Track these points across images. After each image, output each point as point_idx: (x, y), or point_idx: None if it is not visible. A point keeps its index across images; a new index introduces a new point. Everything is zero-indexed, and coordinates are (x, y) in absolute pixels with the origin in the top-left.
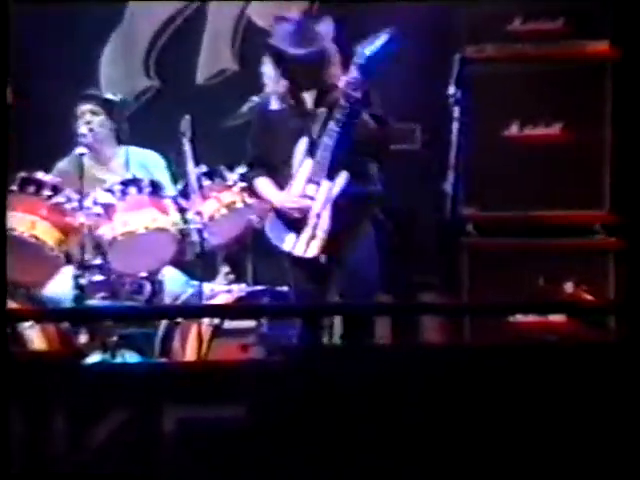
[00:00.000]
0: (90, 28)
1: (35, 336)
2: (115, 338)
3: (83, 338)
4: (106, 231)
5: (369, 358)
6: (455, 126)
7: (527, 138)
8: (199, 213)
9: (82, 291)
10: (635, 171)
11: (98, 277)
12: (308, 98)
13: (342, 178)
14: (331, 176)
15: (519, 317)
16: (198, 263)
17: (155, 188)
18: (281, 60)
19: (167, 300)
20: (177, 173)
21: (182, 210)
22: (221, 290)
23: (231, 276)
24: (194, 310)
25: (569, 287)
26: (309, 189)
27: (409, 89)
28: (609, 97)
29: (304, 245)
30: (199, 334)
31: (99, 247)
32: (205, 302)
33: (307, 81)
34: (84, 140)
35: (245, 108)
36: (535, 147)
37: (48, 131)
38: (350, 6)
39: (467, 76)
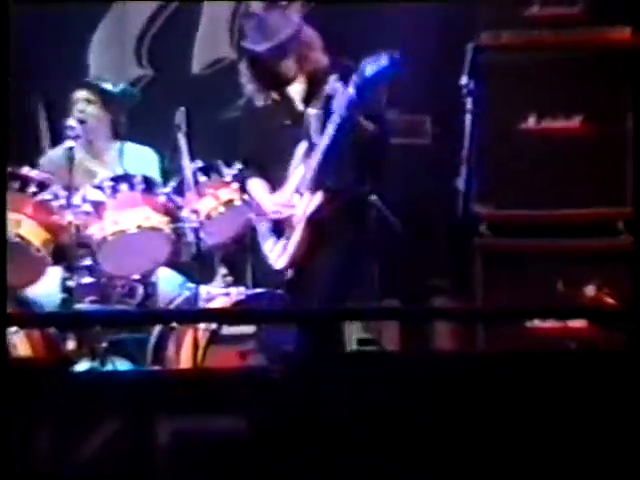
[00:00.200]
0: (78, 15)
1: (19, 342)
2: (105, 344)
3: (71, 344)
4: (96, 230)
5: (376, 366)
6: (468, 118)
7: (545, 131)
8: (195, 211)
9: (70, 294)
10: None
11: (87, 279)
12: (296, 94)
13: (318, 197)
14: (313, 191)
15: (537, 323)
16: (194, 264)
17: (148, 185)
18: (250, 59)
19: (161, 304)
20: (171, 169)
21: (177, 208)
22: (218, 293)
23: (229, 278)
24: (190, 315)
25: (590, 291)
26: (295, 198)
27: (419, 79)
28: (632, 87)
29: (276, 254)
30: (195, 340)
31: (88, 247)
32: (201, 306)
33: (275, 77)
34: (73, 133)
35: (241, 101)
36: (553, 141)
37: (35, 123)
38: None
39: (481, 65)
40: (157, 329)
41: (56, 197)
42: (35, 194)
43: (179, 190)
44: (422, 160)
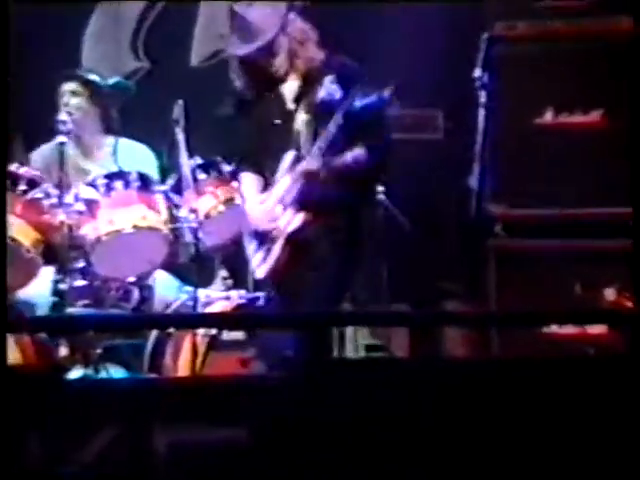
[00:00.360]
0: (72, 4)
1: (10, 349)
2: (99, 351)
3: (63, 350)
4: (89, 230)
5: (383, 372)
6: (481, 113)
7: (562, 126)
8: (193, 210)
9: (62, 298)
10: None
11: (80, 282)
12: (288, 93)
13: (300, 217)
14: (297, 207)
15: (554, 328)
16: (192, 266)
17: (144, 182)
18: (239, 58)
19: (157, 308)
20: (169, 165)
21: (174, 207)
22: (218, 297)
23: (229, 281)
24: (188, 319)
25: (610, 294)
26: (278, 209)
27: (430, 71)
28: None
29: (257, 262)
30: (193, 346)
31: (81, 248)
32: (200, 310)
33: (265, 75)
34: (64, 127)
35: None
36: (571, 136)
37: (25, 118)
38: None
39: (495, 57)
40: (154, 335)
41: (47, 195)
42: (25, 192)
43: (177, 188)
44: (433, 156)
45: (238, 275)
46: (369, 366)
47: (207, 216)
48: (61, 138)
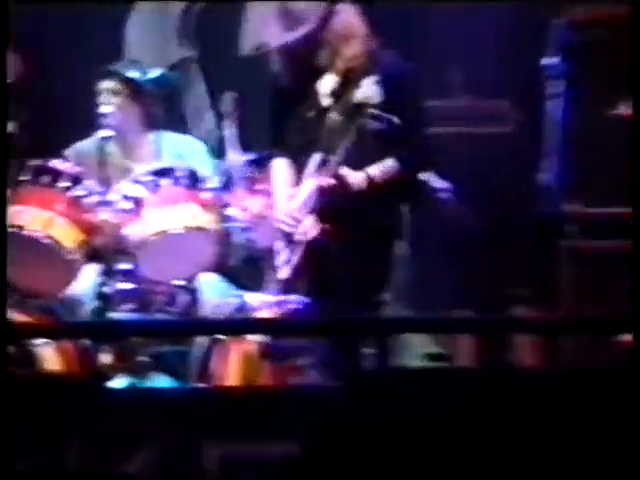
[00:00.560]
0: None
1: (50, 355)
2: (144, 358)
3: (106, 358)
4: (134, 230)
5: (446, 383)
6: (553, 103)
7: None
8: (244, 209)
9: (106, 302)
10: None
11: (125, 285)
12: (323, 89)
13: (321, 226)
14: (320, 215)
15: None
16: (243, 269)
17: (193, 179)
18: (277, 50)
19: (206, 312)
20: (218, 161)
21: (224, 206)
22: (270, 301)
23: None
24: (238, 325)
25: None
26: (301, 213)
27: (498, 60)
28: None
29: (282, 261)
30: (244, 354)
31: (126, 249)
32: (251, 316)
33: (303, 67)
34: (107, 121)
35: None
36: None
37: (66, 112)
38: None
39: (569, 43)
40: (202, 341)
41: (90, 193)
42: (67, 189)
43: (227, 185)
44: (502, 151)
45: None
46: (431, 376)
47: (259, 215)
48: (104, 132)
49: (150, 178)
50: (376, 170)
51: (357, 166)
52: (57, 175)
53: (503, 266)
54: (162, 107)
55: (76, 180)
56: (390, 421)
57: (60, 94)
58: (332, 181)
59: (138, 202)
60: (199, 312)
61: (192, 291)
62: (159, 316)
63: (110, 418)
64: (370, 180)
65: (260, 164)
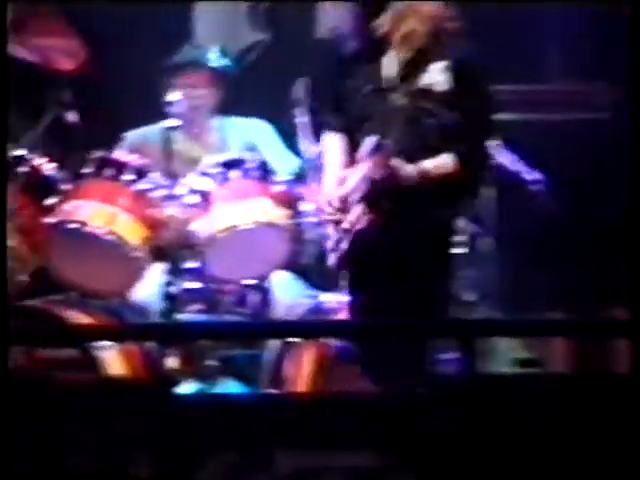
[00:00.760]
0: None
1: (114, 359)
2: (213, 362)
3: (173, 362)
4: (202, 226)
5: (538, 389)
6: None
7: None
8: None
9: (173, 302)
10: None
11: (192, 284)
12: (387, 66)
13: (369, 217)
14: (370, 205)
15: None
16: (317, 267)
17: (264, 171)
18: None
19: (278, 314)
20: (291, 151)
21: (297, 199)
22: (346, 302)
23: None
24: (312, 328)
25: None
26: (350, 200)
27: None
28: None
29: (330, 247)
30: (319, 358)
31: (194, 246)
32: (326, 317)
33: (367, 41)
34: (176, 110)
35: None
36: None
37: (130, 101)
38: None
39: None
40: (274, 344)
41: (156, 186)
42: (132, 182)
43: (300, 178)
44: (597, 139)
45: None
46: (523, 382)
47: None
48: (172, 122)
49: (219, 170)
50: (431, 164)
51: (412, 156)
52: (121, 167)
53: (597, 264)
54: (233, 92)
55: (141, 173)
56: (474, 431)
57: (124, 82)
58: (383, 172)
59: (206, 196)
60: (271, 313)
61: (263, 291)
62: (228, 317)
63: (177, 425)
64: (423, 174)
65: None
